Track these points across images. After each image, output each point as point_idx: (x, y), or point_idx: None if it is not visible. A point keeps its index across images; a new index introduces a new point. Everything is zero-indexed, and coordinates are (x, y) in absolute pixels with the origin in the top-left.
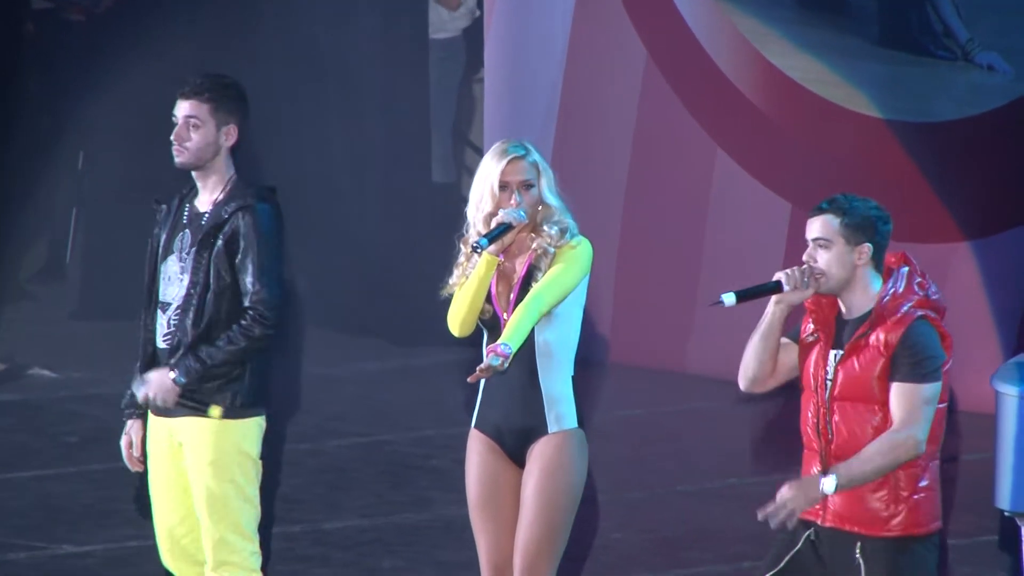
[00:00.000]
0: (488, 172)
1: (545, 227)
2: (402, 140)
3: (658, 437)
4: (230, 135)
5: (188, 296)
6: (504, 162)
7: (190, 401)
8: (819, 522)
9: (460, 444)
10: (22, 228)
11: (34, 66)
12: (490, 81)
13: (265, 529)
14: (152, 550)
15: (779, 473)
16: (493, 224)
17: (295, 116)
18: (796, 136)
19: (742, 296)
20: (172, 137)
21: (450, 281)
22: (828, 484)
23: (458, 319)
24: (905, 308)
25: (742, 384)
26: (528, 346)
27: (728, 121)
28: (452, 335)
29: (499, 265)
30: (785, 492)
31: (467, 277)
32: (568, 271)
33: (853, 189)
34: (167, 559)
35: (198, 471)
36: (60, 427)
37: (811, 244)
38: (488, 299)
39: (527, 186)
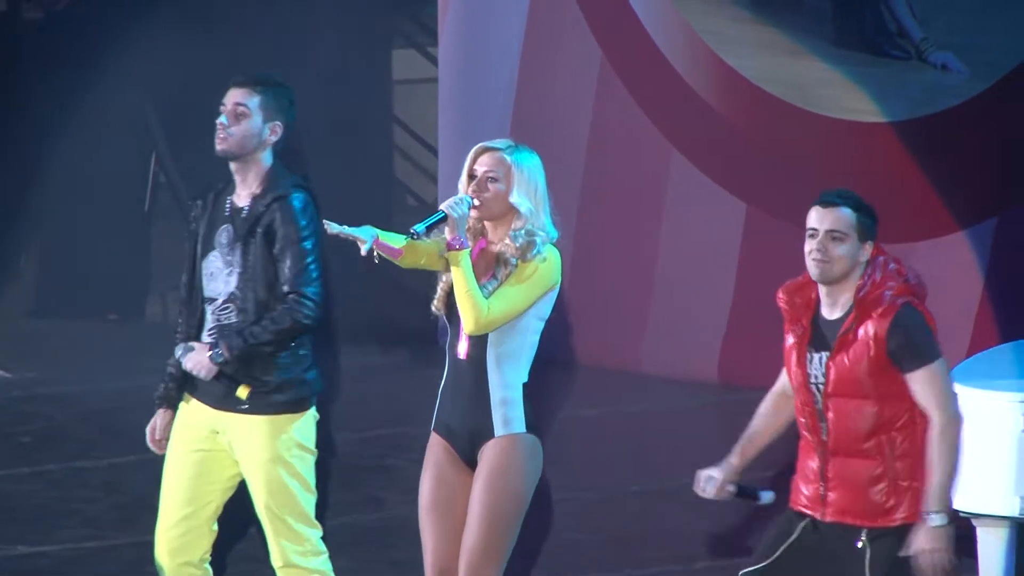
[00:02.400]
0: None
1: (509, 238)
2: (359, 144)
3: (612, 437)
4: (275, 131)
5: (239, 290)
6: (475, 152)
7: (235, 388)
8: (820, 517)
9: (414, 444)
10: None
11: None
12: (444, 81)
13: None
14: (108, 551)
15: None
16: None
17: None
18: (751, 136)
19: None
20: (217, 122)
21: (435, 298)
22: (938, 521)
23: (469, 315)
24: (887, 296)
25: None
26: (480, 352)
27: (683, 122)
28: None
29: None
30: (927, 557)
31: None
32: (520, 292)
33: (808, 189)
34: (161, 552)
35: (258, 469)
36: (14, 427)
37: (822, 234)
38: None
39: (491, 180)
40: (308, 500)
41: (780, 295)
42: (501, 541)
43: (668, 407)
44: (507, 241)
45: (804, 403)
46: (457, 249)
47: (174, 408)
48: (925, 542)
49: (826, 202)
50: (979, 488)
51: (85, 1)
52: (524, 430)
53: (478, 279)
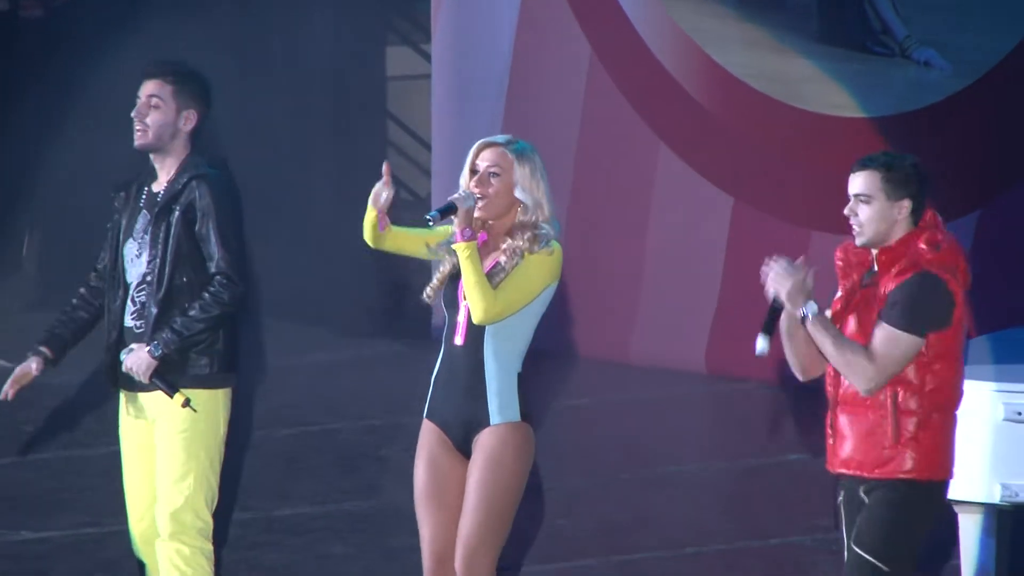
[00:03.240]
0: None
1: (517, 233)
2: (353, 139)
3: (602, 426)
4: (189, 119)
5: (148, 270)
6: (476, 148)
7: (162, 382)
8: (831, 469)
9: (409, 433)
10: None
11: None
12: (437, 78)
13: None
14: (107, 537)
15: (721, 460)
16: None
17: (246, 109)
18: (738, 131)
19: (767, 332)
20: (133, 114)
21: (428, 286)
22: (811, 307)
23: (479, 305)
24: (907, 258)
25: (798, 376)
26: (477, 342)
27: (671, 117)
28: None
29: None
30: (775, 269)
31: (442, 274)
32: (526, 285)
33: (793, 183)
34: (139, 544)
35: (167, 440)
36: (16, 416)
37: (852, 199)
38: (456, 279)
39: (493, 174)
40: (206, 483)
41: (837, 252)
42: (497, 529)
43: (657, 396)
44: (512, 235)
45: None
46: (466, 240)
47: (43, 358)
48: (789, 275)
49: (855, 167)
50: (960, 475)
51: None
52: (519, 419)
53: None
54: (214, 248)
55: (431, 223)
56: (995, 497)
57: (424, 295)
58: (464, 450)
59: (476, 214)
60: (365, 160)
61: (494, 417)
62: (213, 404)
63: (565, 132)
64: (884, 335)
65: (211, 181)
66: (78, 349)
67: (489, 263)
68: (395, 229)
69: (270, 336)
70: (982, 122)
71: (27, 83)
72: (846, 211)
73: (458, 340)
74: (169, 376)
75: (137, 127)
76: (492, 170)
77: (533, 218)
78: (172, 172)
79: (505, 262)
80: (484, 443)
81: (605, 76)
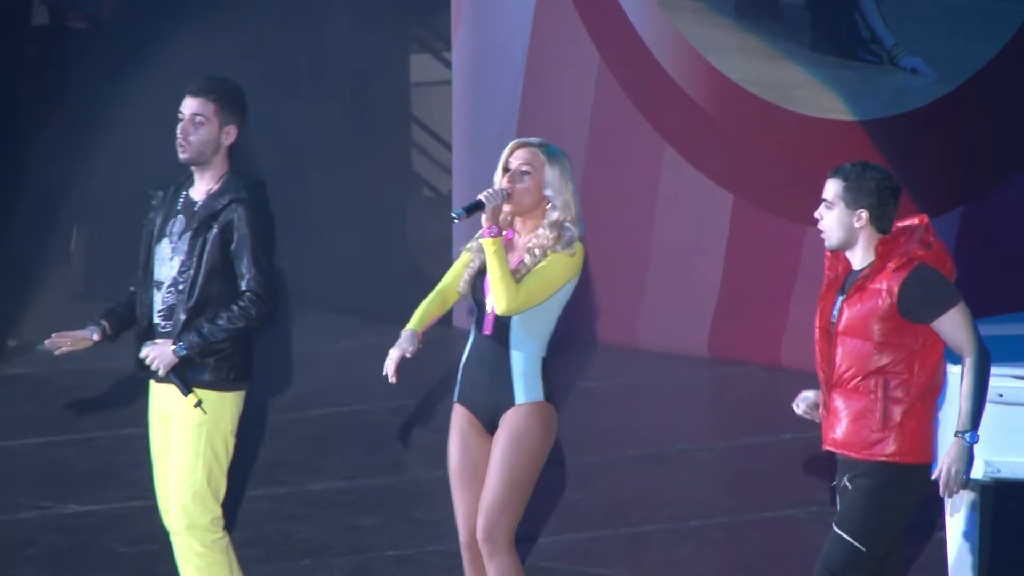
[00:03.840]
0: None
1: (541, 229)
2: (379, 140)
3: (611, 407)
4: (230, 134)
5: (180, 277)
6: (511, 148)
7: (178, 379)
8: (829, 448)
9: (431, 413)
10: (32, 221)
11: (40, 70)
12: (457, 83)
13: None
14: (150, 510)
15: (722, 439)
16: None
17: (277, 114)
18: (737, 133)
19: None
20: (178, 131)
21: (463, 280)
22: (966, 439)
23: (503, 297)
24: (903, 254)
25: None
26: (504, 330)
27: (675, 120)
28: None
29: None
30: (947, 470)
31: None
32: (548, 281)
33: (788, 181)
34: (166, 519)
35: (179, 435)
36: (64, 398)
37: (822, 204)
38: (482, 273)
39: (524, 173)
40: (217, 478)
41: (828, 253)
42: (516, 499)
43: (662, 380)
44: (538, 232)
45: (822, 347)
46: (492, 237)
47: (102, 332)
48: (949, 455)
49: (829, 174)
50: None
51: (126, 10)
52: (542, 398)
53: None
54: (246, 268)
55: (457, 220)
56: (979, 473)
57: (458, 289)
58: (492, 428)
59: (505, 207)
60: (390, 160)
61: (519, 397)
62: (221, 406)
63: (575, 134)
64: (952, 319)
65: (249, 205)
66: (124, 336)
67: (515, 260)
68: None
69: (302, 325)
70: (964, 125)
71: (72, 90)
72: (816, 214)
73: (487, 330)
74: (186, 375)
75: (181, 143)
76: (524, 168)
77: (560, 218)
78: (211, 184)
79: (529, 260)
80: (508, 420)
81: (613, 82)
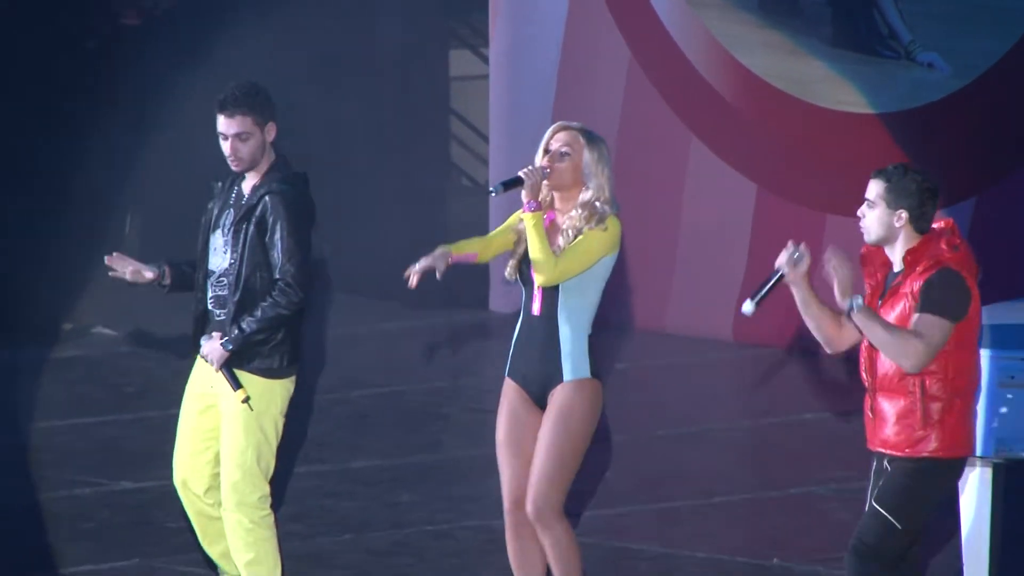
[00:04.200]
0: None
1: (574, 211)
2: (419, 132)
3: (640, 388)
4: (271, 132)
5: (228, 269)
6: (553, 130)
7: (228, 374)
8: (870, 447)
9: (467, 394)
10: (88, 210)
11: (96, 65)
12: (494, 76)
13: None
14: None
15: (746, 419)
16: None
17: (324, 108)
18: (760, 125)
19: (757, 300)
20: (227, 150)
21: (510, 265)
22: (856, 300)
23: (543, 269)
24: (930, 258)
25: (826, 349)
26: (551, 309)
27: (701, 112)
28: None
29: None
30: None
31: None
32: (584, 254)
33: (809, 171)
34: (176, 481)
35: (230, 419)
36: (119, 379)
37: (864, 202)
38: (528, 261)
39: (564, 154)
40: (267, 459)
41: (863, 250)
42: (565, 471)
43: (689, 362)
44: (571, 214)
45: (865, 348)
46: (532, 211)
47: (160, 275)
48: (844, 262)
49: (872, 174)
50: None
51: (180, 6)
52: (589, 375)
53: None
54: (278, 257)
55: (494, 194)
56: (991, 452)
57: (506, 274)
58: (541, 404)
59: (544, 183)
60: (430, 151)
61: (567, 375)
62: (271, 393)
63: (607, 126)
64: (925, 321)
65: (283, 197)
66: (177, 317)
67: (553, 241)
68: (487, 241)
69: (345, 309)
70: (978, 118)
71: (127, 84)
72: (859, 212)
73: (535, 309)
74: (236, 369)
75: (232, 159)
76: (563, 149)
77: (592, 198)
78: (258, 178)
79: (563, 241)
80: (557, 397)
81: (642, 76)
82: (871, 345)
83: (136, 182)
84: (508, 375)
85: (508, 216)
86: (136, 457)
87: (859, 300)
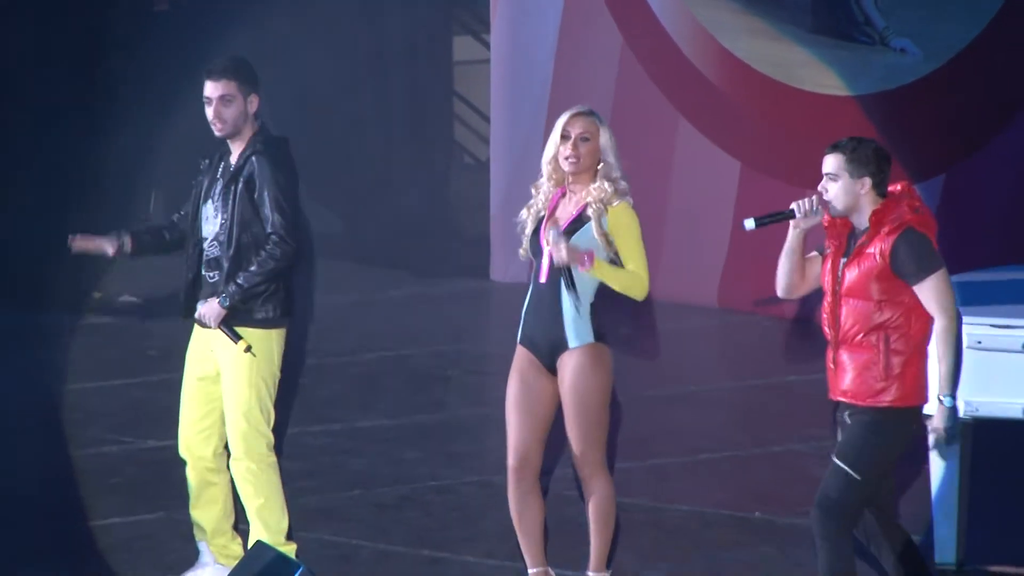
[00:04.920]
0: (557, 124)
1: (598, 183)
2: (425, 113)
3: (631, 353)
4: (253, 103)
5: (220, 231)
6: (568, 115)
7: (228, 330)
8: (831, 396)
9: (469, 358)
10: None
11: (126, 48)
12: (495, 61)
13: (303, 427)
14: None
15: (730, 380)
16: None
17: (335, 91)
18: (744, 107)
19: (760, 222)
20: (210, 114)
21: (520, 218)
22: (947, 402)
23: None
24: (893, 219)
25: (779, 293)
26: (556, 278)
27: (688, 94)
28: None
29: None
30: (934, 429)
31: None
32: (639, 242)
33: (790, 150)
34: (182, 449)
35: (232, 374)
36: (143, 343)
37: (824, 178)
38: (537, 231)
39: (583, 139)
40: (267, 408)
41: (825, 217)
42: (596, 429)
43: (678, 327)
44: (597, 185)
45: (828, 303)
46: (587, 268)
47: (120, 244)
48: (937, 420)
49: (826, 151)
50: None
51: None
52: (593, 340)
53: (561, 221)
54: (268, 211)
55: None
56: (959, 412)
57: (520, 252)
58: (550, 368)
59: (566, 168)
60: (436, 131)
61: (571, 341)
62: (268, 342)
63: (600, 108)
64: (931, 284)
65: (267, 156)
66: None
67: (576, 210)
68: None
69: (353, 279)
70: (948, 100)
71: (153, 67)
72: (820, 187)
73: (542, 280)
74: (234, 324)
75: (215, 122)
76: (584, 135)
77: (613, 174)
78: (242, 146)
79: (592, 211)
80: (567, 363)
81: (634, 61)
82: (831, 299)
83: (160, 164)
84: (520, 342)
85: (512, 191)
86: (160, 417)
87: (948, 400)
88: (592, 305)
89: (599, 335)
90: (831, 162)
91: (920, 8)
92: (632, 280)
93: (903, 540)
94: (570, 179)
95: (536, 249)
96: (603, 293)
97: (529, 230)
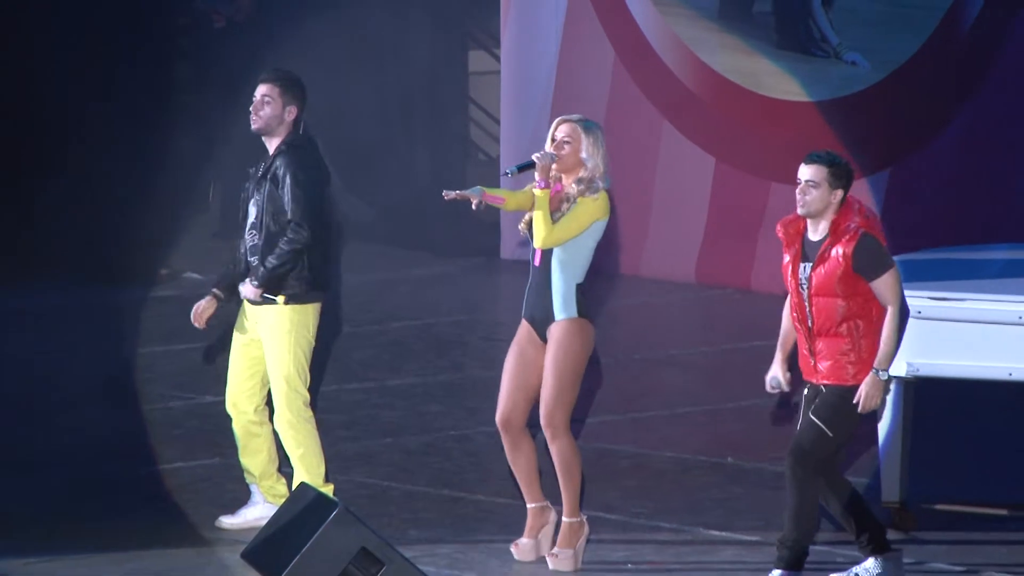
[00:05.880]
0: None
1: (573, 185)
2: (445, 116)
3: (621, 320)
4: (291, 112)
5: (255, 221)
6: (557, 123)
7: (267, 295)
8: (815, 382)
9: (482, 326)
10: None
11: (188, 59)
12: (504, 73)
13: (343, 385)
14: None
15: (707, 346)
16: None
17: (365, 96)
18: (718, 110)
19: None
20: (251, 108)
21: (522, 222)
22: (882, 375)
23: (540, 235)
24: (852, 227)
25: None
26: (547, 261)
27: (671, 100)
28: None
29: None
30: (866, 395)
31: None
32: (574, 221)
33: (757, 148)
34: (229, 406)
35: (273, 344)
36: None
37: (803, 183)
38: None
39: (566, 142)
40: (304, 372)
41: (779, 227)
42: (566, 394)
43: (661, 300)
44: (570, 186)
45: (796, 303)
46: (542, 189)
47: (217, 299)
48: (869, 386)
49: (808, 160)
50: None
51: (256, 13)
52: (577, 315)
53: (552, 212)
54: (288, 202)
55: (509, 175)
56: (902, 372)
57: (520, 227)
58: (544, 338)
59: (553, 166)
60: (453, 132)
61: (558, 314)
62: (303, 315)
63: (595, 112)
64: (885, 280)
65: (289, 155)
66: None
67: (558, 208)
68: (514, 195)
69: (382, 258)
70: (893, 105)
71: (212, 76)
72: (798, 192)
73: (536, 263)
74: (271, 294)
75: (252, 117)
76: (566, 139)
77: (588, 175)
78: (273, 150)
79: (565, 207)
80: (553, 333)
81: (624, 71)
82: (796, 296)
83: (219, 158)
84: (524, 316)
85: (519, 183)
86: (217, 377)
87: (884, 374)
88: (579, 285)
89: (583, 311)
90: (814, 171)
91: (868, 27)
92: (546, 228)
93: (848, 491)
94: (563, 179)
95: (532, 236)
96: (589, 273)
97: (527, 219)
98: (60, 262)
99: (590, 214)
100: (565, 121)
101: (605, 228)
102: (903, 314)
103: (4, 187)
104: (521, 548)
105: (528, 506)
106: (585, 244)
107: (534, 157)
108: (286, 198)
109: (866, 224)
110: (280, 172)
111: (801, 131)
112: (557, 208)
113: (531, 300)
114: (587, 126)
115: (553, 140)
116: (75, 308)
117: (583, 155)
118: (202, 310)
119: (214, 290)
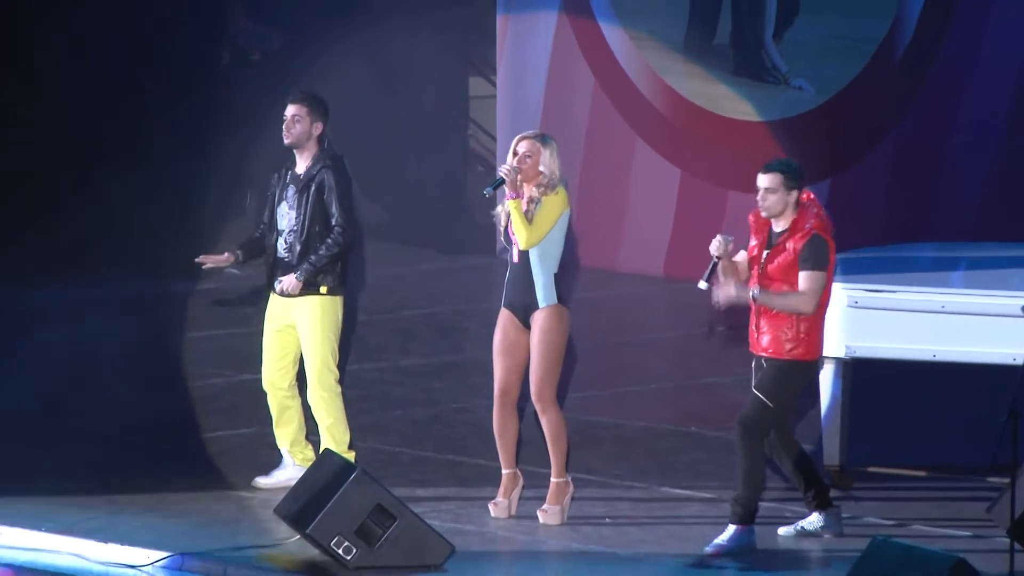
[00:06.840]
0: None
1: (534, 188)
2: (448, 134)
3: (600, 310)
4: (318, 128)
5: (295, 223)
6: (517, 139)
7: (308, 287)
8: (758, 353)
9: (482, 315)
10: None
11: (227, 84)
12: (500, 97)
13: (360, 365)
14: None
15: (674, 331)
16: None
17: (377, 119)
18: (684, 129)
19: (705, 279)
20: (284, 126)
21: (495, 212)
22: (749, 295)
23: (523, 237)
24: (806, 227)
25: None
26: (525, 257)
27: (644, 120)
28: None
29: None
30: (725, 291)
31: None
32: (545, 220)
33: (717, 160)
34: (265, 383)
35: (308, 331)
36: (240, 303)
37: (762, 190)
38: (507, 227)
39: (527, 156)
40: (335, 353)
41: (751, 216)
42: (551, 371)
43: (634, 291)
44: (533, 189)
45: (755, 280)
46: (513, 200)
47: (236, 256)
48: (737, 289)
49: (765, 169)
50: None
51: (285, 45)
52: (555, 302)
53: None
54: (335, 210)
55: (487, 195)
56: (842, 353)
57: (499, 241)
58: (525, 324)
59: (518, 179)
60: (455, 148)
61: (541, 302)
62: (332, 306)
63: (578, 131)
64: (809, 275)
65: (333, 170)
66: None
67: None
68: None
69: (394, 255)
70: (834, 124)
71: (250, 98)
72: (759, 198)
73: (515, 259)
74: (305, 294)
75: (285, 133)
76: (527, 153)
77: (547, 182)
78: (307, 162)
79: (532, 208)
80: (537, 319)
81: (603, 96)
82: (760, 280)
83: (254, 170)
84: (503, 305)
85: (505, 197)
86: (253, 357)
87: (756, 291)
88: (555, 275)
89: (561, 298)
90: (770, 179)
91: (812, 57)
92: (526, 230)
93: (798, 451)
94: (524, 187)
95: (508, 239)
96: (563, 265)
97: (502, 224)
98: (122, 258)
99: (556, 207)
100: (524, 138)
101: (570, 220)
102: (802, 304)
103: (79, 188)
104: (499, 506)
105: (503, 471)
106: (557, 236)
107: (501, 173)
108: (333, 206)
109: (819, 226)
110: (326, 184)
111: (755, 147)
112: (526, 210)
113: (511, 291)
114: (544, 140)
115: (515, 154)
116: (132, 299)
117: (541, 167)
118: (215, 257)
119: (237, 250)
